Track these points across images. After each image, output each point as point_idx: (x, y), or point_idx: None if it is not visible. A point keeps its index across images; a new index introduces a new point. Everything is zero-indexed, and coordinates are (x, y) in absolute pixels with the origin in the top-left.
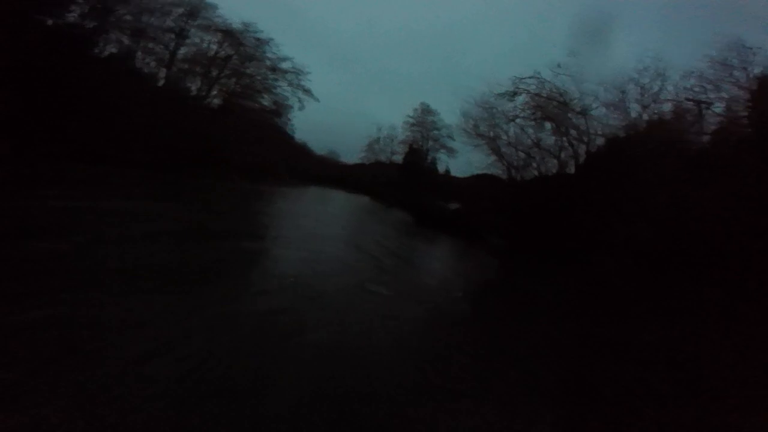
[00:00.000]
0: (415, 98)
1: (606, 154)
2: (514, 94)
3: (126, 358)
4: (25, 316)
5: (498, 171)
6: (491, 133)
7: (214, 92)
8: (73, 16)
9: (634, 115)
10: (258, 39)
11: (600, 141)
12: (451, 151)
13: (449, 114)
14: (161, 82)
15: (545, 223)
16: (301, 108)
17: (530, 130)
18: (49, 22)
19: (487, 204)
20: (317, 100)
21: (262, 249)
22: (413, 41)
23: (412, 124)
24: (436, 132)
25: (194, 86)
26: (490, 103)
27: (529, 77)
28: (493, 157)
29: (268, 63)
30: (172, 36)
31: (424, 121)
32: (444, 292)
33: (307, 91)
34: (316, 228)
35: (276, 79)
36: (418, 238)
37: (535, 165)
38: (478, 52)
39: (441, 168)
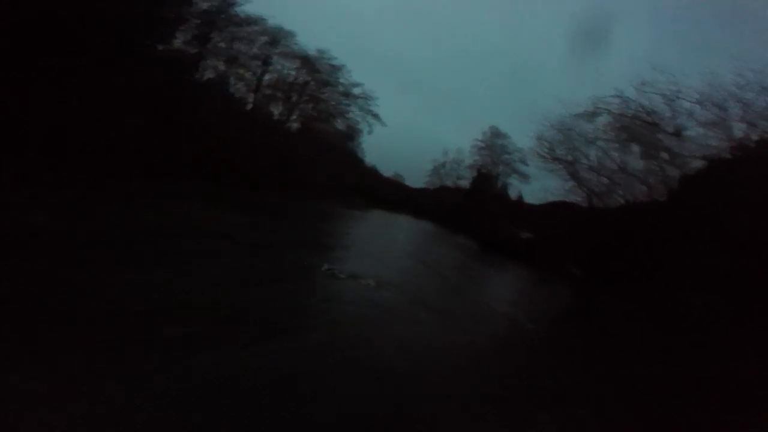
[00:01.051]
0: (484, 121)
1: (705, 179)
2: (594, 114)
3: None
4: None
5: (577, 198)
6: (569, 157)
7: (294, 116)
8: (178, 43)
9: (738, 134)
10: (332, 65)
11: (697, 164)
12: (524, 177)
13: (522, 137)
14: (249, 106)
15: (630, 253)
16: (370, 132)
17: (614, 154)
18: (160, 47)
19: (564, 232)
20: (384, 124)
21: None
22: (483, 62)
23: (481, 148)
24: (507, 156)
25: (276, 110)
26: (568, 125)
27: (611, 96)
28: (571, 183)
29: (341, 89)
30: (259, 63)
31: (494, 144)
32: (510, 321)
33: (376, 116)
34: (382, 252)
35: (348, 104)
36: (484, 265)
37: (620, 191)
38: (553, 71)
39: (512, 194)
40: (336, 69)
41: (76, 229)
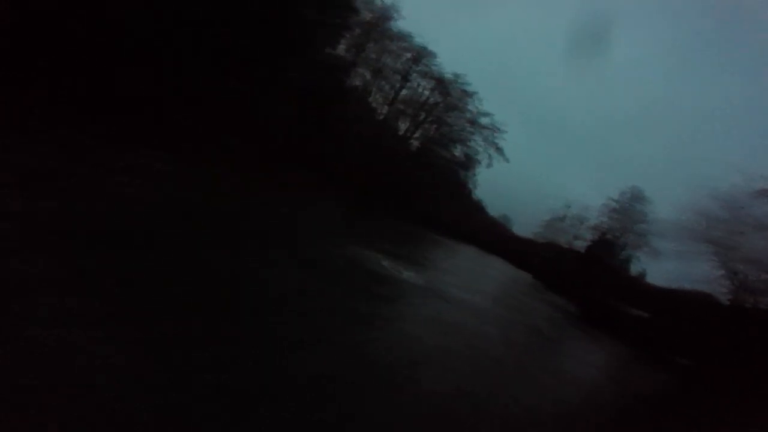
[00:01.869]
0: (625, 181)
1: None
2: None
3: None
4: None
5: (720, 289)
6: (728, 242)
7: (417, 134)
8: (342, 48)
9: None
10: (464, 91)
11: None
12: (655, 253)
13: (668, 207)
14: (381, 117)
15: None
16: (489, 165)
17: None
18: (328, 49)
19: (689, 322)
20: (507, 160)
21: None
22: (642, 114)
23: (614, 210)
24: (642, 226)
25: (403, 125)
26: (738, 203)
27: None
28: (719, 272)
29: (468, 115)
30: (399, 78)
31: (631, 209)
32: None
33: (499, 150)
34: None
35: (472, 132)
36: (581, 333)
37: None
38: (729, 135)
39: (635, 269)
40: (467, 95)
41: None
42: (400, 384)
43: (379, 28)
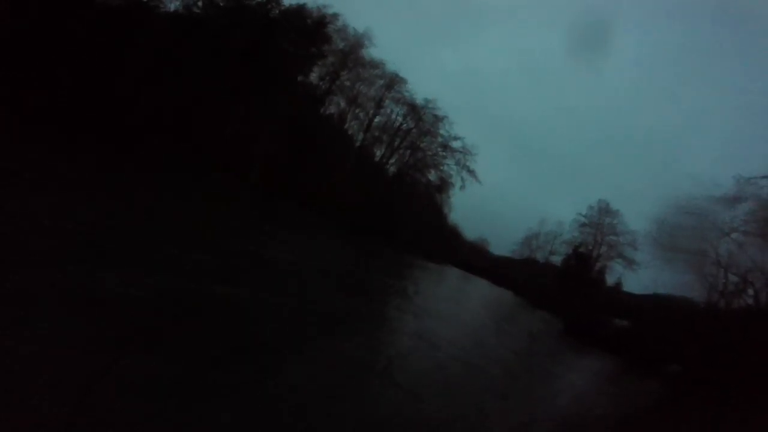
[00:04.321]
0: (594, 195)
1: None
2: (738, 200)
3: None
4: None
5: (693, 294)
6: (695, 248)
7: (393, 160)
8: (314, 76)
9: None
10: (435, 115)
11: None
12: (629, 262)
13: (636, 218)
14: (357, 144)
15: (753, 360)
16: (462, 188)
17: (753, 250)
18: (300, 77)
19: (671, 328)
20: (479, 182)
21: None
22: (604, 129)
23: (584, 224)
24: (613, 238)
25: (379, 152)
26: (701, 210)
27: (764, 177)
28: (689, 277)
29: (440, 140)
30: (373, 105)
31: (601, 222)
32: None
33: (472, 172)
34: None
35: (445, 156)
36: (567, 348)
37: (751, 292)
38: (690, 144)
39: (611, 279)
40: (438, 119)
41: None
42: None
43: (353, 56)
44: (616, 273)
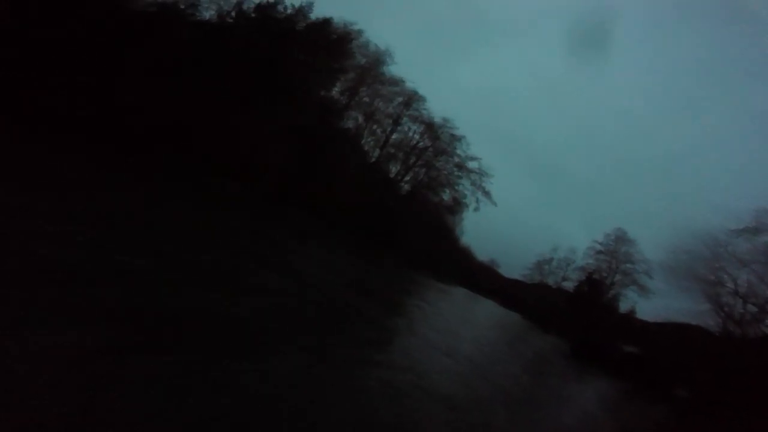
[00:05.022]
0: (608, 220)
1: None
2: (756, 231)
3: None
4: None
5: (709, 322)
6: (712, 277)
7: (407, 178)
8: (336, 90)
9: None
10: (453, 135)
11: None
12: (643, 290)
13: (652, 247)
14: (373, 160)
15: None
16: (476, 209)
17: None
18: (322, 92)
19: (683, 353)
20: (494, 204)
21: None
22: (626, 157)
23: (599, 252)
24: (629, 266)
25: (394, 168)
26: (718, 241)
27: None
28: (706, 306)
29: (456, 159)
30: (390, 122)
31: (616, 250)
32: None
33: (487, 194)
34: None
35: (460, 177)
36: (574, 371)
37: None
38: (712, 175)
39: (624, 306)
40: (455, 139)
41: None
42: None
43: (373, 72)
44: (629, 300)
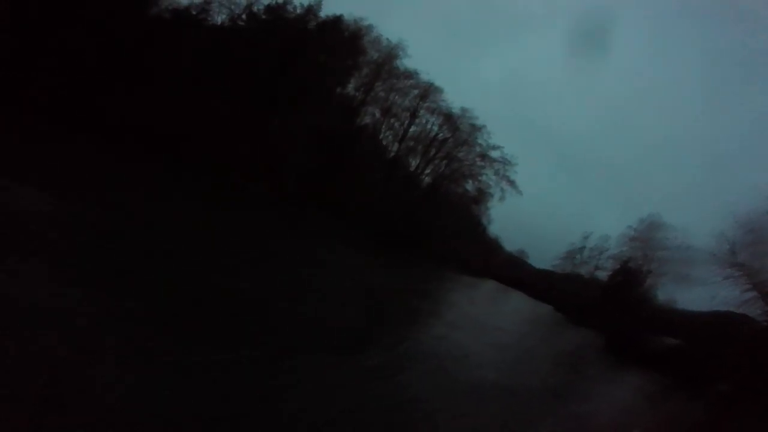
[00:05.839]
0: (644, 208)
1: None
2: None
3: None
4: None
5: (755, 311)
6: (756, 264)
7: (428, 171)
8: (351, 87)
9: None
10: (473, 125)
11: None
12: (682, 279)
13: (692, 233)
14: (392, 154)
15: None
16: (502, 199)
17: None
18: (338, 90)
19: (727, 345)
20: (520, 193)
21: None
22: (661, 141)
23: (633, 239)
24: (666, 253)
25: (414, 162)
26: (763, 226)
27: None
28: (751, 294)
29: (478, 150)
30: (407, 115)
31: (651, 237)
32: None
33: (511, 183)
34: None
35: (483, 167)
36: (608, 365)
37: None
38: (754, 157)
39: (662, 295)
40: (476, 129)
41: None
42: None
43: (387, 66)
44: (668, 290)
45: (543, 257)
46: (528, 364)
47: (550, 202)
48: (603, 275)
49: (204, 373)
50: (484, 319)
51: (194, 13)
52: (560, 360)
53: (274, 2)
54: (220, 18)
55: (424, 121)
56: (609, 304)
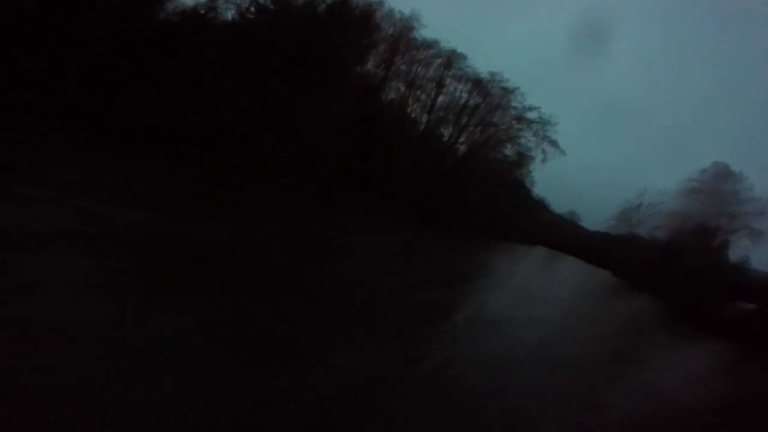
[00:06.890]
0: (706, 159)
1: None
2: None
3: None
4: None
5: None
6: None
7: (462, 139)
8: (371, 65)
9: None
10: (504, 88)
11: None
12: (757, 235)
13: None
14: (422, 127)
15: None
16: (545, 160)
17: None
18: (358, 68)
19: None
20: (563, 152)
21: None
22: (717, 84)
23: (696, 191)
24: (736, 207)
25: (446, 132)
26: None
27: None
28: None
29: (513, 113)
30: (433, 85)
31: (719, 189)
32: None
33: (553, 143)
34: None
35: (521, 129)
36: (676, 333)
37: None
38: None
39: (734, 255)
40: (508, 92)
41: None
42: None
43: (404, 39)
44: (741, 249)
45: (596, 218)
46: (594, 333)
47: (597, 159)
48: (664, 235)
49: None
50: (540, 291)
51: (202, 12)
52: (624, 327)
53: None
54: (229, 14)
55: (451, 89)
56: (673, 266)
